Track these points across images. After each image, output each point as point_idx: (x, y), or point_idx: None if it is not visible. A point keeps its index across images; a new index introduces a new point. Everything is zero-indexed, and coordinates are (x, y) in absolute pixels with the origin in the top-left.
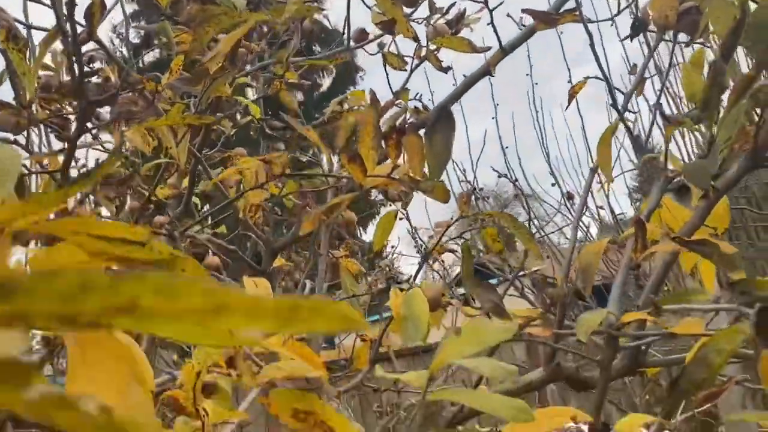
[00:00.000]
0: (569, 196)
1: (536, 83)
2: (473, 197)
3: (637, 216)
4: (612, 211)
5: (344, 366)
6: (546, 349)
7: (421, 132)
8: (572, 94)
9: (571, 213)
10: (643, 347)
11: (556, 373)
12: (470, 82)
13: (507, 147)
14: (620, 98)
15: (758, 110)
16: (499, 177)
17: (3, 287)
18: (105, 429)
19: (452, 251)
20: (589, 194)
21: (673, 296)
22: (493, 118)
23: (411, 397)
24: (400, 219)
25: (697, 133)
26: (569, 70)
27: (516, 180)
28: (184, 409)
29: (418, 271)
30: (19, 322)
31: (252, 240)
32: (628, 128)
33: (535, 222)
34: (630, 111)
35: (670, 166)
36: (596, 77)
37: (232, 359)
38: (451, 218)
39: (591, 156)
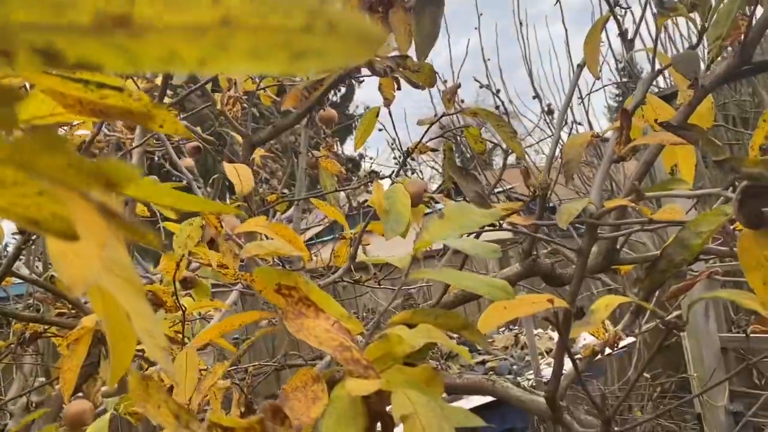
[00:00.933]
0: (549, 111)
1: None
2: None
3: (622, 107)
4: (591, 127)
5: (322, 274)
6: (523, 246)
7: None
8: None
9: (550, 127)
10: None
11: (532, 269)
12: None
13: (489, 59)
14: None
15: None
16: (481, 87)
17: None
18: (93, 177)
19: (434, 150)
20: (569, 108)
21: (656, 186)
22: (475, 28)
23: (385, 302)
24: (380, 130)
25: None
26: None
27: (498, 91)
28: (163, 303)
29: (399, 169)
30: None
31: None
32: (617, 21)
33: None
34: (620, 6)
35: (658, 63)
36: None
37: (213, 241)
38: (435, 115)
39: (573, 69)
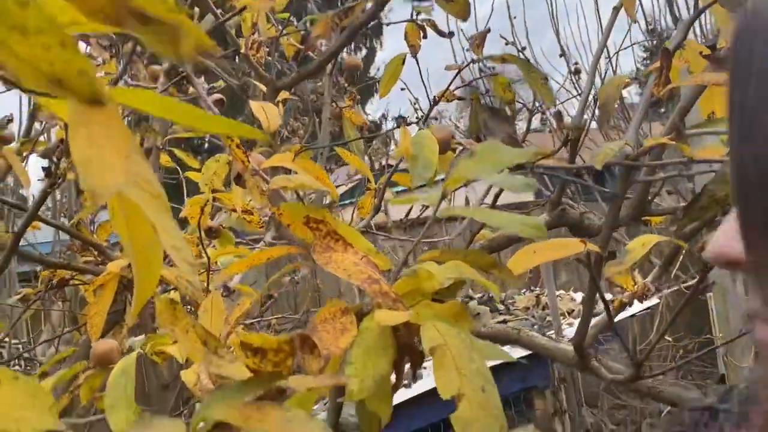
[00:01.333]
0: (576, 71)
1: None
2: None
3: (663, 46)
4: None
5: None
6: (552, 197)
7: None
8: None
9: (576, 88)
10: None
11: (560, 219)
12: None
13: (515, 17)
14: None
15: None
16: (507, 44)
17: None
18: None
19: (461, 99)
20: (596, 71)
21: (696, 124)
22: None
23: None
24: (402, 90)
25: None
26: None
27: (524, 48)
28: None
29: (427, 115)
30: None
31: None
32: None
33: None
34: None
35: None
36: None
37: (239, 176)
38: (459, 63)
39: (602, 30)
